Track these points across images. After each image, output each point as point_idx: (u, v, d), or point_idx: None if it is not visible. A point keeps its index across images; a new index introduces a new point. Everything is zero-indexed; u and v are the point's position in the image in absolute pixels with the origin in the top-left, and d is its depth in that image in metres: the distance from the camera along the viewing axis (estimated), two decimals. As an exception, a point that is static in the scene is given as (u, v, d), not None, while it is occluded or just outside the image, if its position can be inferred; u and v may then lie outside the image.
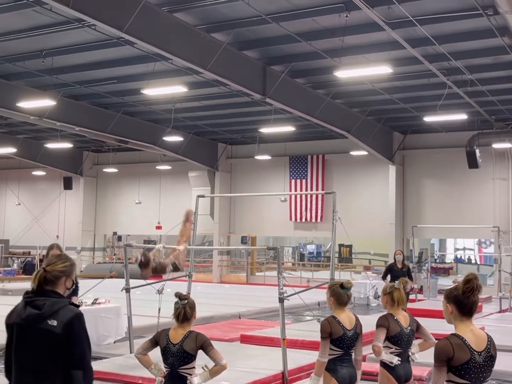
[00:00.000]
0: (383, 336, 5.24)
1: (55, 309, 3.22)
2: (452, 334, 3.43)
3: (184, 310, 4.73)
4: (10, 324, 3.34)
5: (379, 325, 5.28)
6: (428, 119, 19.09)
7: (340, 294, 5.18)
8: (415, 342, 5.47)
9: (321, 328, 5.11)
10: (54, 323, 3.18)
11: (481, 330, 3.51)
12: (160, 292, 8.61)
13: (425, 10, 11.95)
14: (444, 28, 12.94)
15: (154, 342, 4.83)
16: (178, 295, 4.82)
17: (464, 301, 3.44)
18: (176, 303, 4.79)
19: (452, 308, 3.47)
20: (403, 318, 5.37)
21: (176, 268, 8.23)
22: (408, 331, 5.32)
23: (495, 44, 13.62)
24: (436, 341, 5.44)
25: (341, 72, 13.75)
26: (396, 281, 5.64)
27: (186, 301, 4.76)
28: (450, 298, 3.49)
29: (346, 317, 5.19)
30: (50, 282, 3.32)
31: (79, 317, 3.24)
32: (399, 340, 5.26)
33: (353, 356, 5.20)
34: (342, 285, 5.18)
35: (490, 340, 3.48)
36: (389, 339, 5.27)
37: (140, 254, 7.78)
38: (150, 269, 7.84)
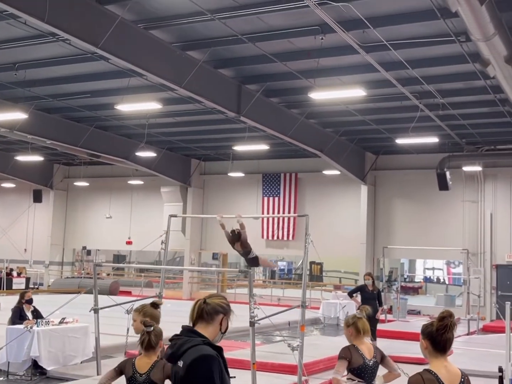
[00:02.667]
0: (343, 369, 5.13)
1: (184, 348, 3.04)
2: (424, 369, 3.45)
3: (149, 337, 4.57)
4: None
5: (341, 356, 5.16)
6: (400, 141, 19.25)
7: (154, 312, 5.10)
8: (380, 374, 5.39)
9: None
10: (181, 364, 3.03)
11: (456, 367, 3.51)
12: (129, 312, 8.48)
13: (399, 34, 12.11)
14: (417, 53, 13.13)
15: (118, 372, 4.70)
16: (143, 322, 4.67)
17: (438, 338, 3.46)
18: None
19: (426, 344, 3.50)
20: (367, 349, 5.23)
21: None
22: (371, 363, 5.19)
23: (467, 69, 13.85)
24: (400, 373, 5.42)
25: (315, 93, 13.81)
26: (357, 310, 5.67)
27: (152, 328, 4.60)
28: (425, 334, 3.51)
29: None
30: (208, 316, 3.21)
31: (204, 359, 2.97)
32: (362, 372, 5.13)
33: None
34: (154, 304, 5.16)
35: (464, 377, 3.49)
36: (352, 371, 5.14)
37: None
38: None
